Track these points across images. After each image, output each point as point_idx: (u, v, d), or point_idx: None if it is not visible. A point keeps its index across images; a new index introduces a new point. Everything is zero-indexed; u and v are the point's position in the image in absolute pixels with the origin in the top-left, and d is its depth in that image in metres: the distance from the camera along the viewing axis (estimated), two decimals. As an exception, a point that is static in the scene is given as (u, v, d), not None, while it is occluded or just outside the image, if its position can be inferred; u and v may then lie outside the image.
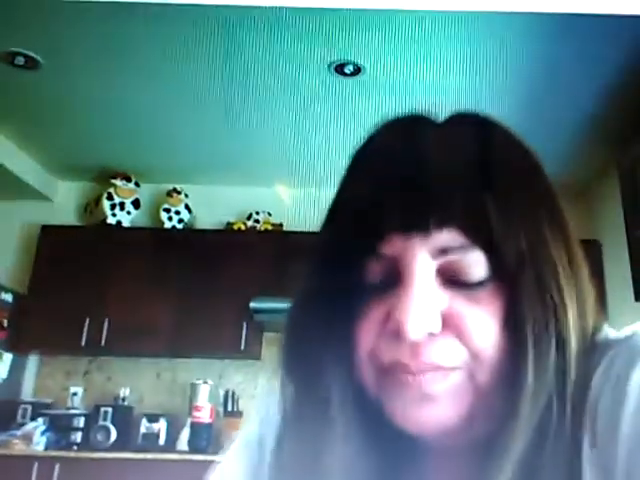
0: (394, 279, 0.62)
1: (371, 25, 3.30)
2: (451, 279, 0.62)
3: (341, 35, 3.39)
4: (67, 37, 3.50)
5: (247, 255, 4.77)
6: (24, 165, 4.92)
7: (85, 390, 4.76)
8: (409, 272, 0.61)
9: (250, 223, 5.09)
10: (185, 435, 4.41)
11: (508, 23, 3.12)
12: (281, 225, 5.09)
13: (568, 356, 0.61)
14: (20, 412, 4.55)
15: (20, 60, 3.73)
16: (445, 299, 0.61)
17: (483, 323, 0.61)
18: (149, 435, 4.48)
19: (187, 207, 5.15)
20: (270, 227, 5.08)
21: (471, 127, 0.69)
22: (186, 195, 5.17)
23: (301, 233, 4.68)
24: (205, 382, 4.60)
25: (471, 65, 3.43)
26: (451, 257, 0.61)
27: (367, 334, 0.63)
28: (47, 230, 5.00)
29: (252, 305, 4.59)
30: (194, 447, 4.32)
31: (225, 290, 4.67)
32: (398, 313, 0.60)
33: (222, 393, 4.65)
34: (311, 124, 4.33)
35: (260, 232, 5.06)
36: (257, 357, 4.74)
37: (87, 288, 4.71)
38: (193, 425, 4.42)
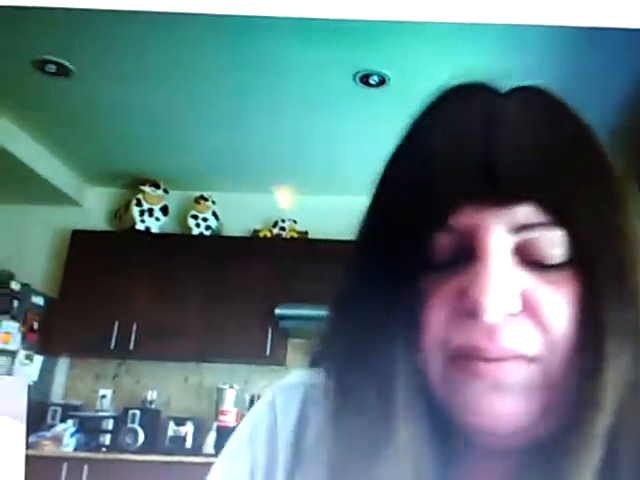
0: (466, 255, 0.57)
1: (397, 35, 3.32)
2: (528, 259, 0.58)
3: (366, 45, 3.41)
4: (98, 45, 3.55)
5: (272, 262, 4.83)
6: (55, 170, 4.98)
7: (114, 393, 4.82)
8: (485, 247, 0.56)
9: (276, 230, 5.13)
10: (211, 439, 4.46)
11: (533, 36, 3.15)
12: (306, 233, 5.12)
13: None
14: (50, 414, 4.61)
15: (51, 68, 3.78)
16: (523, 279, 0.57)
17: (561, 308, 0.57)
18: (176, 438, 4.53)
19: (214, 214, 5.19)
20: (295, 235, 5.12)
21: (545, 100, 0.65)
22: (213, 202, 5.22)
23: (326, 241, 4.72)
24: (231, 387, 4.64)
25: (496, 76, 3.42)
26: (530, 234, 0.57)
27: (436, 316, 0.58)
28: (77, 235, 5.08)
29: (277, 312, 4.63)
30: (220, 451, 4.31)
31: (251, 296, 4.73)
32: (475, 291, 0.55)
33: (248, 398, 4.68)
34: (336, 134, 4.36)
35: (285, 239, 5.10)
36: (282, 363, 4.78)
37: (116, 292, 4.78)
38: (219, 429, 4.46)
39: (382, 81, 3.72)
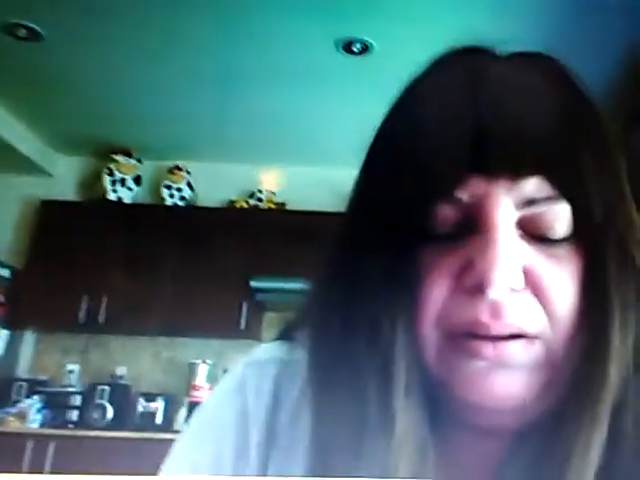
0: (471, 227, 0.55)
1: (380, 2, 3.21)
2: (532, 233, 0.56)
3: (349, 12, 3.30)
4: (69, 9, 3.41)
5: (249, 234, 4.71)
6: (23, 138, 4.84)
7: (82, 368, 4.70)
8: (492, 220, 0.54)
9: (253, 201, 5.02)
10: (182, 415, 4.37)
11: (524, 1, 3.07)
12: (284, 204, 5.02)
13: None
14: (15, 389, 4.50)
15: (22, 32, 3.66)
16: (527, 254, 0.55)
17: (566, 285, 0.56)
18: (146, 414, 4.43)
19: (189, 184, 5.07)
20: (273, 206, 5.00)
21: (549, 67, 0.63)
22: (188, 172, 5.09)
23: (304, 213, 4.66)
24: (204, 362, 4.56)
25: (487, 42, 3.34)
26: (536, 209, 0.55)
27: (438, 290, 0.56)
28: (46, 205, 4.94)
29: (253, 284, 4.54)
30: None
31: (225, 269, 4.61)
32: (482, 265, 0.53)
33: (221, 373, 4.57)
34: (317, 103, 4.24)
35: (262, 210, 4.99)
36: (258, 337, 4.69)
37: (86, 265, 4.64)
38: (191, 405, 4.36)
39: (365, 49, 3.62)
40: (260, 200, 5.02)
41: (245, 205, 5.02)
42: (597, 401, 0.55)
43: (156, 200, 5.08)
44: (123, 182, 5.00)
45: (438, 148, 0.56)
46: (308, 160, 4.86)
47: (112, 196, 4.95)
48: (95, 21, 3.50)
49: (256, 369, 0.66)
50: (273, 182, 5.04)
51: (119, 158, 5.00)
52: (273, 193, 5.05)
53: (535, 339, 0.55)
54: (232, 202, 5.04)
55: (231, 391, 0.66)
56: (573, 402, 0.55)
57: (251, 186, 5.09)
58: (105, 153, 5.04)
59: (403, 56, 3.53)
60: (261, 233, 4.71)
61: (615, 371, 0.55)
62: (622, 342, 0.56)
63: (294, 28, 3.43)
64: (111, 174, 4.97)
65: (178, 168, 5.07)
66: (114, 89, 4.22)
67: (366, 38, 3.52)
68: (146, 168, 5.14)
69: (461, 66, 0.62)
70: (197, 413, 0.67)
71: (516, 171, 0.55)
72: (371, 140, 0.63)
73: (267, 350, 0.68)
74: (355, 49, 3.61)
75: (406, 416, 0.56)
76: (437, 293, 0.55)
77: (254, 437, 0.63)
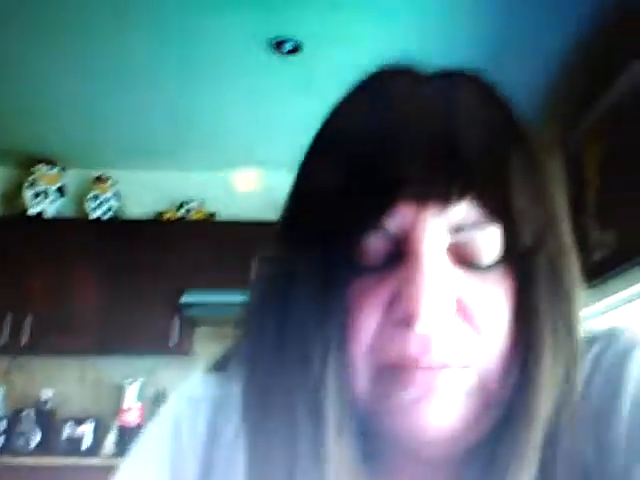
0: (400, 258, 0.54)
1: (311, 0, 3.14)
2: (464, 259, 0.55)
3: (279, 10, 3.22)
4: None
5: (178, 246, 4.59)
6: None
7: (5, 391, 4.53)
8: (420, 250, 0.53)
9: (182, 212, 4.89)
10: (112, 438, 4.25)
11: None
12: (213, 215, 4.91)
13: (576, 344, 0.58)
14: None
15: None
16: (458, 282, 0.54)
17: (496, 310, 0.55)
18: (73, 439, 4.29)
19: (115, 195, 4.92)
20: (202, 216, 4.89)
21: (475, 86, 0.62)
22: (114, 182, 4.93)
23: (236, 223, 4.57)
24: (134, 381, 4.43)
25: (419, 33, 3.33)
26: (467, 234, 0.55)
27: (367, 322, 0.55)
28: (-36, 220, 4.72)
29: (183, 299, 4.40)
30: (122, 451, 4.12)
31: (155, 283, 4.49)
32: (408, 298, 0.52)
33: (152, 392, 4.47)
34: (247, 105, 4.13)
35: (191, 222, 4.87)
36: (189, 353, 4.58)
37: (8, 282, 4.45)
38: (121, 429, 4.25)
39: (296, 48, 3.54)
40: (189, 211, 4.90)
41: (174, 216, 4.88)
42: (528, 428, 0.55)
43: (81, 212, 4.91)
44: (46, 194, 4.81)
45: (363, 176, 0.55)
46: (239, 165, 4.74)
47: (35, 209, 4.76)
48: (9, 29, 3.35)
49: (191, 409, 0.67)
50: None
51: (41, 168, 4.83)
52: (202, 203, 4.93)
53: (466, 368, 0.55)
54: (160, 213, 4.91)
55: (166, 434, 0.66)
56: (506, 429, 0.55)
57: (180, 196, 4.96)
58: (27, 164, 4.86)
59: (333, 56, 3.48)
60: (190, 245, 4.61)
61: (546, 397, 0.55)
62: (553, 367, 0.56)
63: (222, 27, 3.33)
64: (33, 186, 4.79)
65: (104, 178, 4.92)
66: (33, 94, 4.04)
67: (297, 37, 3.44)
68: (70, 178, 4.98)
69: (385, 89, 0.61)
70: (132, 455, 0.66)
71: (444, 197, 0.54)
72: (298, 165, 0.62)
73: (201, 386, 0.69)
74: (285, 48, 3.53)
75: (338, 450, 0.55)
76: (367, 326, 0.55)
77: (191, 476, 0.64)
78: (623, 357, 0.59)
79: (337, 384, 0.56)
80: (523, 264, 0.56)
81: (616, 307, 3.56)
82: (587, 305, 2.66)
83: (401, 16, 3.21)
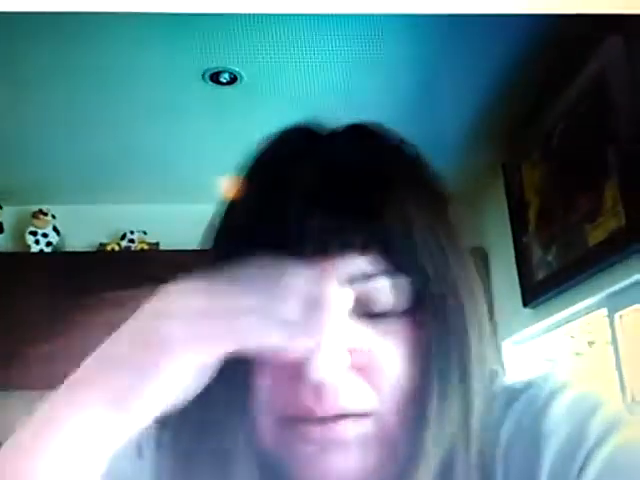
0: None
1: (248, 30, 3.17)
2: (364, 308, 0.57)
3: (215, 41, 3.26)
4: None
5: (123, 277, 4.52)
6: None
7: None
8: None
9: (124, 243, 4.89)
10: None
11: (388, 24, 3.10)
12: (157, 244, 4.93)
13: (471, 392, 0.59)
14: None
15: None
16: (353, 332, 0.55)
17: (391, 359, 0.57)
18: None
19: (55, 229, 4.88)
20: (146, 246, 4.89)
21: (365, 140, 0.65)
22: (53, 216, 4.89)
23: (179, 251, 4.51)
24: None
25: (351, 68, 3.41)
26: (357, 286, 0.56)
27: (264, 379, 0.58)
28: None
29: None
30: None
31: (101, 317, 4.40)
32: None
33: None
34: (185, 137, 4.16)
35: (135, 252, 4.87)
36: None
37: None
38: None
39: (234, 79, 3.56)
40: (132, 241, 4.90)
41: (117, 247, 4.87)
42: (415, 474, 0.56)
43: (21, 247, 4.86)
44: (-18, 230, 4.73)
45: (255, 234, 0.58)
46: (178, 197, 4.73)
47: (-28, 246, 4.67)
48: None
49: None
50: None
51: (-24, 205, 4.74)
52: (145, 233, 4.93)
53: (364, 416, 0.57)
54: (103, 245, 4.90)
55: None
56: (402, 473, 0.57)
57: (121, 227, 4.95)
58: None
59: (273, 86, 3.49)
60: (135, 275, 4.52)
61: (431, 441, 0.56)
62: (440, 410, 0.57)
63: (160, 59, 3.36)
64: (-31, 223, 4.70)
65: (42, 212, 4.86)
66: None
67: (234, 68, 3.47)
68: (8, 214, 4.92)
69: (282, 148, 0.65)
70: None
71: (327, 251, 0.56)
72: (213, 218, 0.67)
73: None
74: (223, 79, 3.55)
75: None
76: (263, 382, 0.57)
77: None
78: (540, 416, 0.60)
79: (244, 436, 0.58)
80: (415, 312, 0.58)
81: (558, 327, 3.62)
82: (530, 325, 2.73)
83: (332, 51, 3.28)
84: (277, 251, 0.55)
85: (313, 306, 0.53)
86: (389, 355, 0.57)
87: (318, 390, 0.55)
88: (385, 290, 0.57)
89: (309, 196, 0.58)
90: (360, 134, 0.66)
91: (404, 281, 0.57)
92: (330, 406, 0.55)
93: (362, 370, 0.56)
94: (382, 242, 0.57)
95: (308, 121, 0.67)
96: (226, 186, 0.67)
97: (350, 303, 0.55)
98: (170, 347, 0.53)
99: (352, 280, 0.56)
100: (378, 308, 0.57)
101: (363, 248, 0.56)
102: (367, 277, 0.57)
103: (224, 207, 0.66)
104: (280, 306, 0.52)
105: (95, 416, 0.54)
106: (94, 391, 0.55)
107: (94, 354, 0.58)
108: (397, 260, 0.57)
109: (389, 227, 0.57)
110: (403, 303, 0.58)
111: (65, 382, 0.57)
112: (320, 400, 0.55)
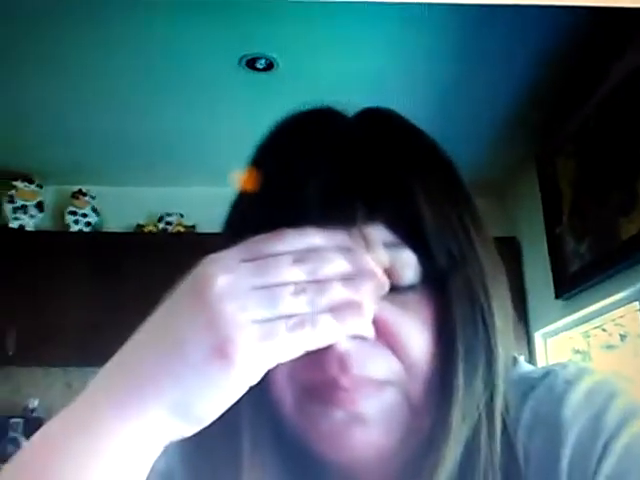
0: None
1: (284, 16, 3.19)
2: None
3: (252, 27, 3.28)
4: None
5: (159, 258, 4.59)
6: None
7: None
8: None
9: (162, 225, 4.96)
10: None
11: (425, 13, 3.07)
12: (194, 227, 4.98)
13: (495, 369, 0.60)
14: None
15: None
16: (378, 303, 0.54)
17: (415, 332, 0.57)
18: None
19: (94, 209, 4.96)
20: (182, 229, 4.95)
21: (387, 123, 0.66)
22: (93, 197, 4.98)
23: (216, 235, 4.54)
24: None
25: (387, 56, 3.41)
26: (388, 253, 0.57)
27: None
28: (-55, 236, 4.72)
29: (164, 309, 4.41)
30: None
31: (137, 295, 4.48)
32: None
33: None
34: (221, 122, 4.20)
35: (172, 234, 4.93)
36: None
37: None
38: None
39: (270, 65, 3.57)
40: (169, 223, 4.96)
41: (154, 229, 4.94)
42: (443, 448, 0.56)
43: (61, 227, 4.94)
44: (25, 209, 4.84)
45: (279, 204, 0.59)
46: (214, 180, 4.78)
47: (14, 224, 4.79)
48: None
49: None
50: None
51: (19, 184, 4.84)
52: (182, 216, 5.00)
53: (390, 387, 0.57)
54: (140, 226, 4.97)
55: None
56: (429, 447, 0.57)
57: (159, 209, 5.02)
58: (5, 180, 4.85)
59: (308, 72, 3.51)
60: (171, 257, 4.56)
61: (459, 416, 0.57)
62: (467, 385, 0.57)
63: (197, 44, 3.38)
64: (12, 201, 4.81)
65: (82, 193, 4.96)
66: (8, 111, 4.07)
67: (271, 54, 3.49)
68: (48, 194, 5.01)
69: (303, 126, 0.66)
70: None
71: (351, 219, 0.56)
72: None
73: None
74: (259, 65, 3.56)
75: (253, 473, 0.58)
76: None
77: None
78: (558, 405, 0.60)
79: (253, 408, 0.58)
80: (439, 286, 0.59)
81: (590, 319, 3.59)
82: (562, 317, 2.73)
83: (369, 39, 3.30)
84: (301, 222, 0.54)
85: (353, 274, 0.53)
86: (413, 327, 0.57)
87: (343, 360, 0.55)
88: (410, 264, 0.57)
89: (336, 170, 0.59)
90: (384, 116, 0.68)
91: (429, 258, 0.58)
92: (355, 376, 0.55)
93: (386, 339, 0.57)
94: (409, 217, 0.58)
95: (331, 103, 0.68)
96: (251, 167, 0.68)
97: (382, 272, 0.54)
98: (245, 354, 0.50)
99: (384, 246, 0.56)
100: (403, 281, 0.57)
101: (390, 220, 0.57)
102: (395, 246, 0.57)
103: (251, 184, 0.66)
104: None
105: (155, 423, 0.51)
106: (155, 395, 0.52)
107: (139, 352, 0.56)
108: (423, 237, 0.57)
109: (416, 203, 0.58)
110: (427, 279, 0.58)
111: (111, 380, 0.55)
112: (345, 370, 0.55)
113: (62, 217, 4.92)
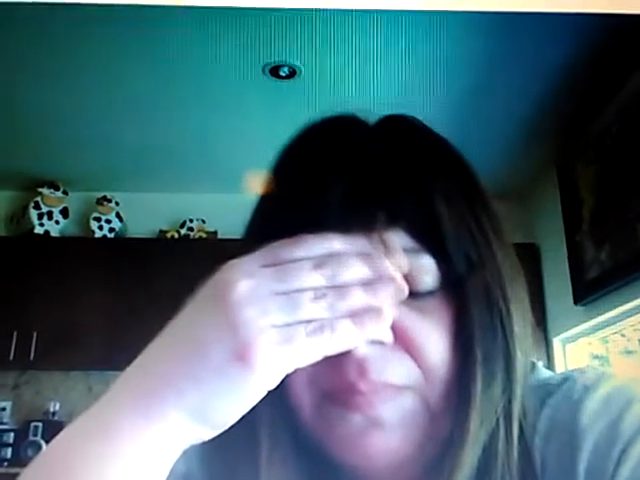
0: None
1: (308, 26, 3.23)
2: None
3: (276, 36, 3.31)
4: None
5: (181, 264, 4.62)
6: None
7: (14, 405, 4.61)
8: None
9: (184, 231, 5.00)
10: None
11: (445, 22, 3.11)
12: (215, 233, 5.01)
13: (513, 375, 0.59)
14: (-54, 429, 4.34)
15: None
16: (397, 308, 0.54)
17: (434, 337, 0.57)
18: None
19: (118, 215, 5.02)
20: (204, 235, 4.99)
21: (407, 130, 0.67)
22: (117, 203, 5.04)
23: (237, 240, 4.58)
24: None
25: (408, 65, 3.43)
26: (407, 258, 0.56)
27: None
28: (-28, 241, 4.78)
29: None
30: None
31: (158, 301, 4.51)
32: None
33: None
34: (244, 129, 4.24)
35: (194, 240, 4.97)
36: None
37: (15, 300, 4.53)
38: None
39: (292, 73, 3.60)
40: (191, 229, 5.00)
41: (176, 235, 4.99)
42: (458, 451, 0.56)
43: (85, 232, 5.00)
44: (50, 215, 4.90)
45: (299, 210, 0.59)
46: (236, 187, 4.81)
47: (39, 230, 4.85)
48: (11, 48, 3.42)
49: None
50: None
51: (45, 191, 4.90)
52: (203, 222, 5.03)
53: (408, 392, 0.57)
54: (163, 232, 5.01)
55: None
56: (447, 452, 0.57)
57: (181, 215, 5.06)
58: (31, 186, 4.93)
59: (330, 80, 3.53)
60: (193, 263, 4.58)
61: (477, 420, 0.57)
62: (485, 390, 0.57)
63: (221, 52, 3.42)
64: (38, 207, 4.88)
65: (106, 199, 5.01)
66: (36, 120, 4.13)
67: (295, 62, 3.53)
68: (73, 200, 5.06)
69: (327, 133, 0.66)
70: None
71: (371, 224, 0.56)
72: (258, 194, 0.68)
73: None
74: (282, 73, 3.60)
75: (271, 476, 0.58)
76: None
77: None
78: (576, 411, 0.59)
79: (272, 409, 0.57)
80: (458, 292, 0.58)
81: (608, 325, 3.59)
82: (581, 323, 2.73)
83: (390, 47, 3.31)
84: (321, 228, 0.55)
85: (374, 279, 0.53)
86: (432, 333, 0.57)
87: (362, 365, 0.55)
88: (430, 269, 0.58)
89: (356, 176, 0.59)
90: (405, 123, 0.68)
91: (448, 264, 0.58)
92: (373, 381, 0.55)
93: (405, 345, 0.57)
94: (429, 223, 0.58)
95: (354, 111, 0.68)
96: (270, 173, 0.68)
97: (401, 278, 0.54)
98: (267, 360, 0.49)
99: (404, 252, 0.56)
100: (423, 287, 0.57)
101: (410, 226, 0.57)
102: (415, 252, 0.57)
103: (272, 190, 0.66)
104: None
105: (175, 426, 0.51)
106: (175, 398, 0.51)
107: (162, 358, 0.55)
108: (442, 243, 0.58)
109: (436, 209, 0.58)
110: (446, 285, 0.58)
111: (131, 384, 0.54)
112: (363, 375, 0.55)
113: (87, 223, 4.98)
